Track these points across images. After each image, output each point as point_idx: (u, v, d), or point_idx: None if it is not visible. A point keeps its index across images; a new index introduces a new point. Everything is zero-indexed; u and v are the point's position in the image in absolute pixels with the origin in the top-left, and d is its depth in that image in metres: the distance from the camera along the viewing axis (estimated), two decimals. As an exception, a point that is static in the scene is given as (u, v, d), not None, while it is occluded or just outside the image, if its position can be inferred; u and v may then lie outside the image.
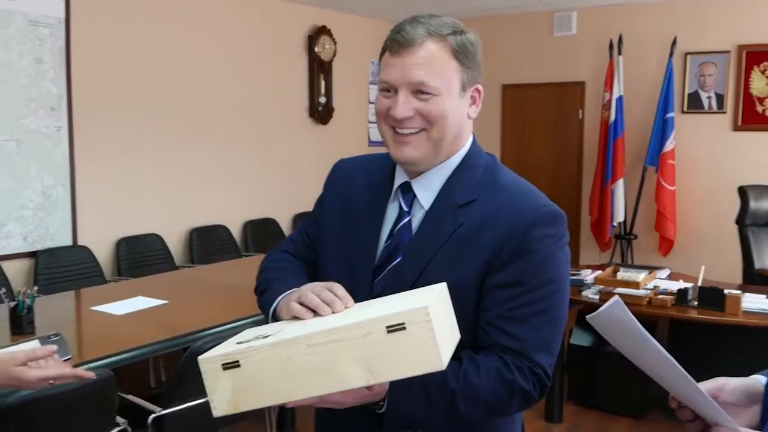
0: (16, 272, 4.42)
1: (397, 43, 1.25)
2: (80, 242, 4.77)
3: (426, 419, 1.18)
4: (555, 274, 1.24)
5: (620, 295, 3.80)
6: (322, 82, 6.53)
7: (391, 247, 1.31)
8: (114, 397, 2.43)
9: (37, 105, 4.53)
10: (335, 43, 6.58)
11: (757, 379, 1.12)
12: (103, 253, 4.89)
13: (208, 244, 5.47)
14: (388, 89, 1.27)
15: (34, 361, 1.49)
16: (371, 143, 7.20)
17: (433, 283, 1.18)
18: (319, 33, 6.43)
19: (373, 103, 7.71)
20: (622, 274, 4.04)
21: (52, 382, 1.51)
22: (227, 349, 1.09)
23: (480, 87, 1.32)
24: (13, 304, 2.96)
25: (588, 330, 4.19)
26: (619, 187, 6.09)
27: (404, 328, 0.99)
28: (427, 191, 1.31)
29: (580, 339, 4.10)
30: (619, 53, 6.12)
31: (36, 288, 3.14)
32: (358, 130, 7.09)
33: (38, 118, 4.54)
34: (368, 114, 7.22)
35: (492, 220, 1.24)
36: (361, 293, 1.28)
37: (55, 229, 4.66)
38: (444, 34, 1.25)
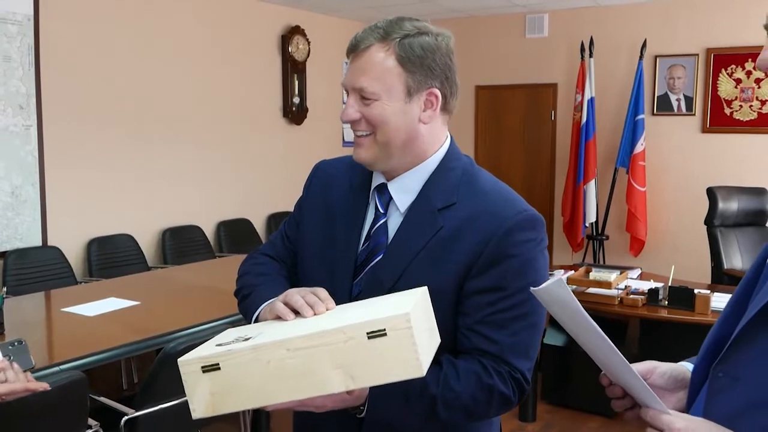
0: (-16, 273, 4.35)
1: (348, 47, 1.29)
2: (50, 242, 4.70)
3: (406, 424, 1.19)
4: (534, 279, 1.23)
5: (592, 294, 3.87)
6: (296, 82, 6.51)
7: (368, 249, 1.32)
8: (86, 399, 2.39)
9: (5, 103, 4.45)
10: (309, 43, 6.57)
11: (685, 366, 1.16)
12: (74, 254, 4.83)
13: (181, 244, 5.42)
14: (347, 92, 1.31)
15: None
16: (345, 144, 7.20)
17: (411, 286, 1.19)
18: (292, 33, 6.41)
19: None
20: (595, 274, 4.09)
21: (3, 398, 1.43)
22: (207, 351, 1.09)
23: (436, 90, 1.28)
24: (-19, 305, 2.92)
25: (561, 330, 4.24)
26: (591, 188, 6.16)
27: (385, 335, 0.99)
28: (403, 193, 1.32)
29: (553, 339, 4.14)
30: (591, 55, 6.19)
31: (5, 289, 3.09)
32: (333, 130, 7.08)
33: (6, 117, 4.46)
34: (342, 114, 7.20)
35: (471, 225, 1.24)
36: (340, 294, 1.29)
37: (25, 229, 4.58)
38: (393, 38, 1.25)
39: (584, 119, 6.14)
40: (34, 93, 4.59)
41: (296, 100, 6.52)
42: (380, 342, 0.99)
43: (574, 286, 4.02)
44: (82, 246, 4.90)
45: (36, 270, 4.45)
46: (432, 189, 1.30)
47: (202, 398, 1.06)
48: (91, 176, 4.95)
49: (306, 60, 6.56)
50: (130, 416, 2.58)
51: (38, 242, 4.65)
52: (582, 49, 6.22)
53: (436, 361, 1.14)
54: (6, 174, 4.47)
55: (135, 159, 5.23)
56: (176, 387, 2.67)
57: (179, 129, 5.53)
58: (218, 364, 1.05)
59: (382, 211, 1.33)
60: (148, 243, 5.32)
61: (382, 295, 1.23)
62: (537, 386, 4.14)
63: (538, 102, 6.82)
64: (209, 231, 5.78)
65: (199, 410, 1.07)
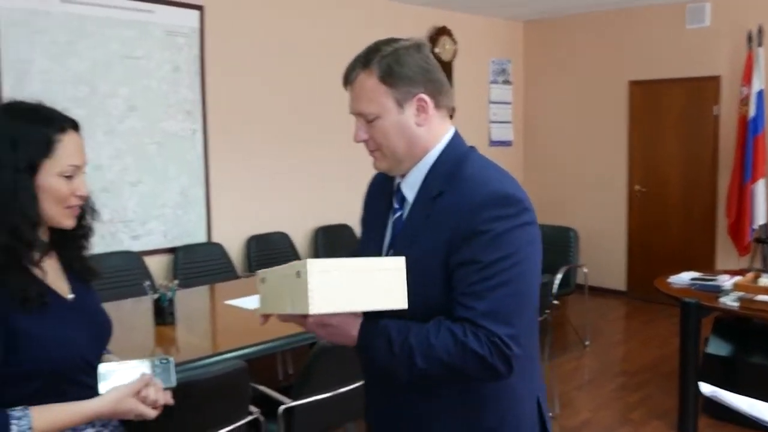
0: (157, 266, 4.72)
1: (342, 81, 1.50)
2: (214, 239, 5.03)
3: (390, 366, 1.40)
4: (509, 251, 1.38)
5: (761, 302, 3.58)
6: (443, 83, 6.53)
7: (390, 242, 1.56)
8: (248, 387, 2.53)
9: (174, 110, 4.81)
10: (455, 43, 6.57)
11: None
12: (235, 250, 5.13)
13: (334, 242, 5.61)
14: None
15: (145, 391, 1.50)
16: (492, 143, 7.13)
17: (411, 269, 1.37)
18: (439, 34, 6.44)
19: (494, 102, 7.52)
20: (764, 281, 3.78)
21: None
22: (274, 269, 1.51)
23: (423, 95, 1.45)
24: (155, 296, 3.17)
25: (726, 338, 3.96)
26: (760, 187, 5.73)
27: (299, 276, 1.29)
28: (409, 189, 1.53)
29: (717, 348, 3.88)
30: (759, 45, 5.74)
31: (177, 282, 3.33)
32: (480, 129, 7.03)
33: (176, 122, 4.82)
34: (489, 113, 7.16)
35: (452, 207, 1.42)
36: None
37: (192, 227, 4.93)
38: (371, 62, 1.44)
39: (752, 113, 5.71)
40: (200, 99, 4.93)
41: (443, 100, 6.53)
42: (298, 280, 1.30)
43: (741, 293, 3.75)
44: (242, 243, 5.20)
45: (201, 264, 4.77)
46: (430, 180, 1.49)
47: (259, 299, 1.57)
48: (250, 177, 5.25)
49: (453, 60, 6.57)
50: (288, 405, 2.70)
51: (203, 239, 4.98)
52: (749, 39, 5.78)
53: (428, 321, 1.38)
54: (176, 175, 4.83)
55: (290, 160, 5.48)
56: (330, 379, 2.77)
57: (332, 131, 5.69)
58: (265, 277, 1.52)
59: (397, 206, 1.55)
60: (301, 240, 5.55)
61: None
62: (698, 399, 3.89)
63: (698, 96, 6.41)
64: (359, 230, 5.92)
65: (257, 307, 1.58)
